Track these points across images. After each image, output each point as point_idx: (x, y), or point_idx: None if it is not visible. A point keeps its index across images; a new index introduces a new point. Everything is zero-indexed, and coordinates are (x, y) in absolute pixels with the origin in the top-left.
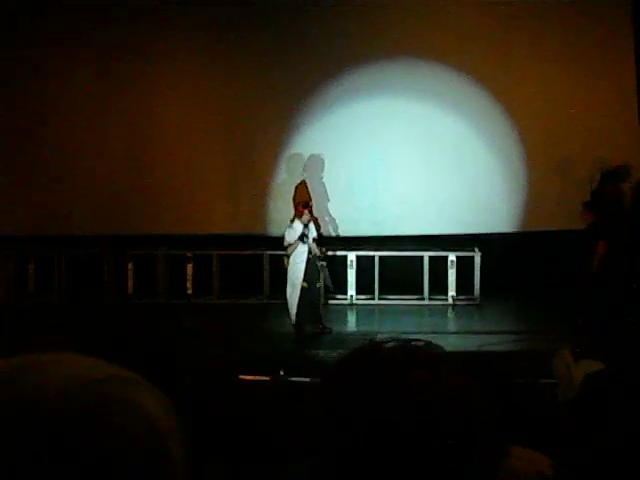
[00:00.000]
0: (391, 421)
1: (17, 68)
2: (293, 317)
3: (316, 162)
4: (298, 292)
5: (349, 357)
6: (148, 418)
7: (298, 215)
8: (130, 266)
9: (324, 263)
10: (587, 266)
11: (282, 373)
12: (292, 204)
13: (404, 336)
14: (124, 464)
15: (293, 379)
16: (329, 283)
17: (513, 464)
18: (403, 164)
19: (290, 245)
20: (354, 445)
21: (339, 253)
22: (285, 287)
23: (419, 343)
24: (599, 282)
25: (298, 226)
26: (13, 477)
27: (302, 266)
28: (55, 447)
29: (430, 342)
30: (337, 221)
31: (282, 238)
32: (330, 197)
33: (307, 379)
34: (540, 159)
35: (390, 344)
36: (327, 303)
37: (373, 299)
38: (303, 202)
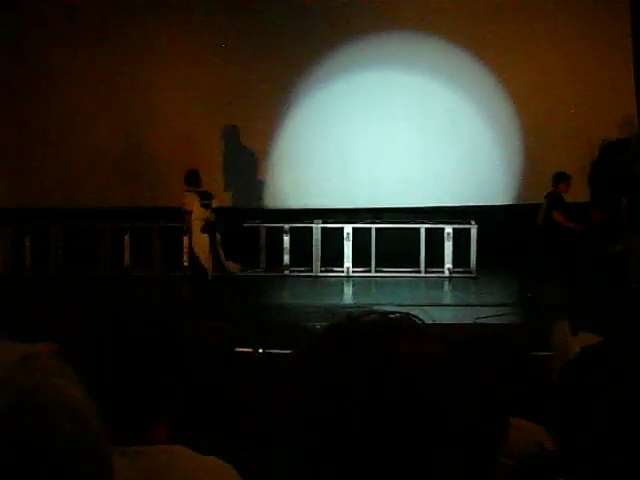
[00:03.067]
0: (374, 395)
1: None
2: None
3: (313, 135)
4: None
5: (329, 330)
6: (73, 405)
7: None
8: (126, 238)
9: None
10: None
11: (260, 350)
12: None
13: (400, 309)
14: (42, 442)
15: (276, 351)
16: None
17: (511, 435)
18: (400, 137)
19: None
20: (336, 420)
21: (336, 225)
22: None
23: (399, 315)
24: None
25: None
26: None
27: None
28: None
29: (410, 314)
30: (334, 193)
31: (279, 211)
32: (327, 170)
33: (289, 351)
34: (537, 132)
35: (369, 317)
36: (323, 275)
37: (369, 271)
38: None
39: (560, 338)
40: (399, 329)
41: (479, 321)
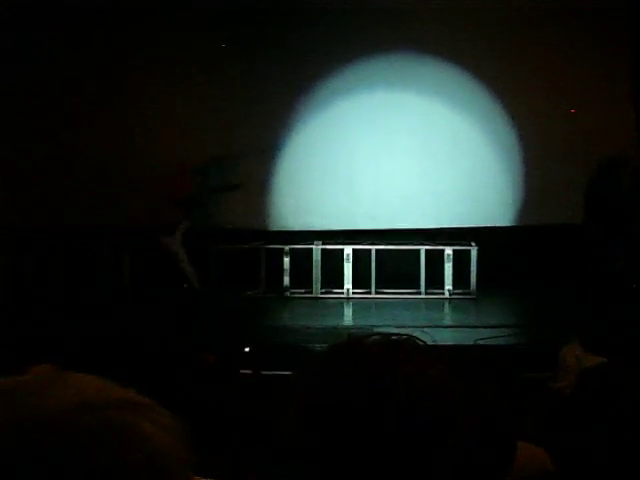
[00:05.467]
0: (375, 417)
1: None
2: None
3: (313, 156)
4: None
5: (330, 352)
6: (151, 449)
7: None
8: (127, 259)
9: None
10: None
11: (247, 349)
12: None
13: (400, 330)
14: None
15: (277, 373)
16: None
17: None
18: (401, 158)
19: None
20: (337, 441)
21: (336, 247)
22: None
23: (399, 336)
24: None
25: None
26: None
27: None
28: (45, 474)
29: (412, 336)
30: (333, 214)
31: (279, 233)
32: (327, 190)
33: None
34: (538, 153)
35: (370, 338)
36: (323, 297)
37: (370, 293)
38: None
39: (571, 358)
40: (400, 350)
41: (480, 342)
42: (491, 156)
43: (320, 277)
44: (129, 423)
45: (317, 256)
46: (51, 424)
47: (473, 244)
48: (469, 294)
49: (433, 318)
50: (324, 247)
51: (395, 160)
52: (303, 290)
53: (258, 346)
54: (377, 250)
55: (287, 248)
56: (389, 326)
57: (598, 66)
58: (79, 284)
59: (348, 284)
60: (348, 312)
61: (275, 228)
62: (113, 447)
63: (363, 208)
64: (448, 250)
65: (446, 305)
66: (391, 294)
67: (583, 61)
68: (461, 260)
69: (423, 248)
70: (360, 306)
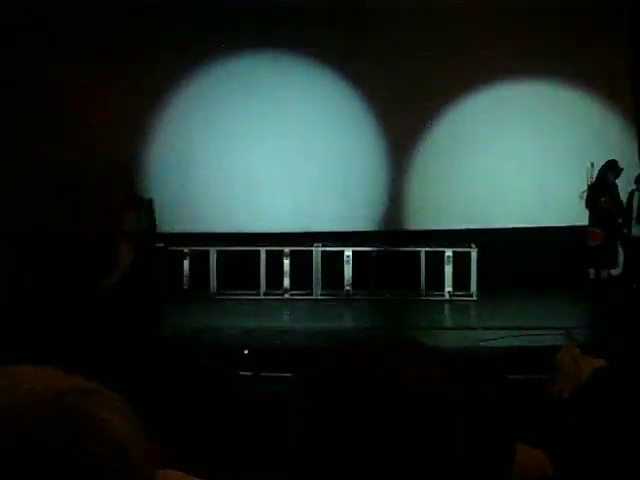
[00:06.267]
0: (375, 419)
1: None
2: None
3: (314, 156)
4: None
5: (330, 354)
6: (109, 432)
7: None
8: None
9: None
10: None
11: (246, 352)
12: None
13: (400, 332)
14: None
15: (276, 374)
16: None
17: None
18: (399, 159)
19: None
20: (336, 444)
21: (336, 249)
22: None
23: (401, 338)
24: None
25: None
26: None
27: None
28: (7, 456)
29: (414, 337)
30: (334, 216)
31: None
32: (327, 192)
33: (289, 374)
34: (538, 156)
35: (370, 340)
36: (323, 298)
37: (370, 294)
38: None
39: (569, 360)
40: (400, 352)
41: (482, 344)
42: (490, 159)
43: (320, 279)
44: (84, 409)
45: (317, 258)
46: (18, 411)
47: (473, 246)
48: (469, 296)
49: (433, 320)
50: (324, 249)
51: (395, 162)
52: (303, 292)
53: (257, 348)
54: (377, 252)
55: (287, 250)
56: (390, 328)
57: (598, 74)
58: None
59: (348, 286)
60: (348, 314)
61: (274, 230)
62: (73, 433)
63: (363, 210)
64: (448, 252)
65: (446, 307)
66: (391, 296)
67: (587, 53)
68: (461, 262)
69: (423, 250)
70: (360, 308)
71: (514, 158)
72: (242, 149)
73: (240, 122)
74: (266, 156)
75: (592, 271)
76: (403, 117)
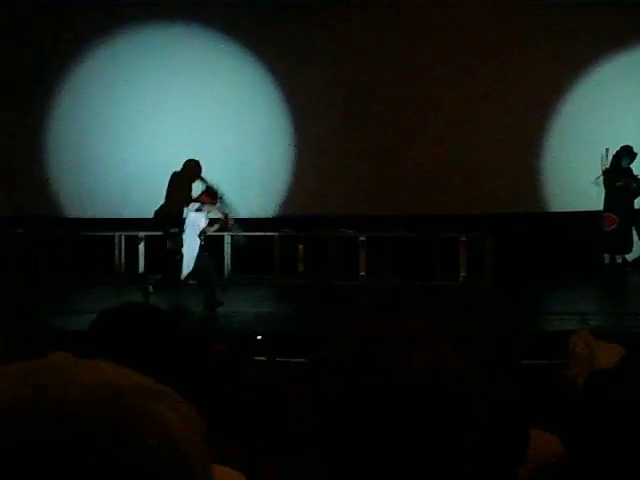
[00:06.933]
0: (389, 403)
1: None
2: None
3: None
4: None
5: (344, 339)
6: (172, 435)
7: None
8: (141, 247)
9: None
10: None
11: (259, 337)
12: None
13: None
14: (136, 474)
15: (291, 360)
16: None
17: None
18: (415, 144)
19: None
20: (351, 429)
21: (350, 234)
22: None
23: (417, 322)
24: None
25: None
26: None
27: None
28: (66, 454)
29: (428, 321)
30: (346, 201)
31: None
32: (342, 178)
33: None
34: (553, 141)
35: (384, 325)
36: (337, 284)
37: (383, 280)
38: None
39: (583, 345)
40: (414, 337)
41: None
42: (507, 144)
43: (335, 264)
44: (149, 409)
45: (331, 243)
46: (74, 408)
47: (488, 231)
48: (483, 282)
49: (447, 306)
50: (338, 234)
51: (409, 148)
52: (317, 277)
53: (271, 334)
54: (392, 237)
55: (301, 235)
56: (403, 313)
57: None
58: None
59: (362, 271)
60: (362, 299)
61: (289, 215)
62: (134, 432)
63: (377, 195)
64: (462, 237)
65: (460, 293)
66: (405, 281)
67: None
68: (476, 248)
69: (437, 235)
70: (374, 293)
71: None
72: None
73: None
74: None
75: (607, 256)
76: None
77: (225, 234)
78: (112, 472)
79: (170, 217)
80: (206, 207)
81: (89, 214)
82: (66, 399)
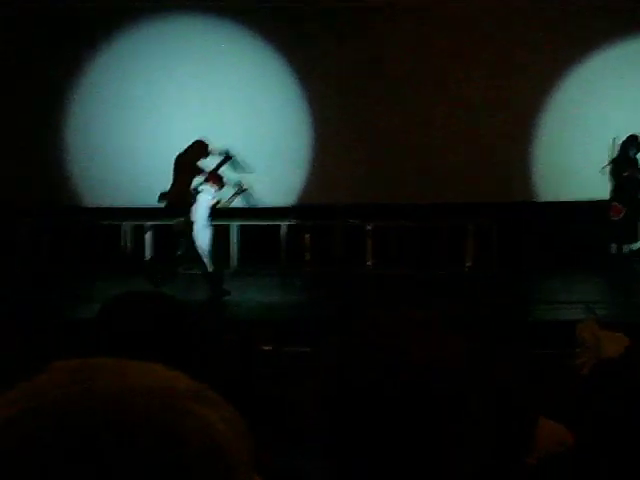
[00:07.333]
0: (391, 394)
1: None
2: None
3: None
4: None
5: (350, 327)
6: (217, 441)
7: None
8: (148, 236)
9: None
10: None
11: (267, 327)
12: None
13: (420, 306)
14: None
15: (297, 349)
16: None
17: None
18: (419, 130)
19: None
20: (356, 416)
21: (357, 223)
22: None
23: (420, 313)
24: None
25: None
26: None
27: None
28: (109, 452)
29: (431, 311)
30: (352, 190)
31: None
32: (348, 167)
33: (307, 349)
34: (558, 129)
35: (391, 314)
36: (343, 272)
37: (390, 268)
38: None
39: (589, 334)
40: (419, 326)
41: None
42: (511, 131)
43: (340, 253)
44: (197, 414)
45: (337, 232)
46: (120, 407)
47: (493, 220)
48: (490, 270)
49: (454, 294)
50: (345, 223)
51: (417, 133)
52: (323, 265)
53: (278, 322)
54: (399, 226)
55: (308, 224)
56: (410, 302)
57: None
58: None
59: (369, 260)
60: (369, 288)
61: (296, 203)
62: (178, 434)
63: (383, 183)
64: (469, 226)
65: (466, 281)
66: (411, 270)
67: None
68: (482, 236)
69: (444, 224)
70: (381, 282)
71: (539, 132)
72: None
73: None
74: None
75: (614, 246)
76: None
77: (232, 223)
78: (154, 472)
79: (175, 205)
80: (213, 187)
81: (97, 203)
82: (113, 398)
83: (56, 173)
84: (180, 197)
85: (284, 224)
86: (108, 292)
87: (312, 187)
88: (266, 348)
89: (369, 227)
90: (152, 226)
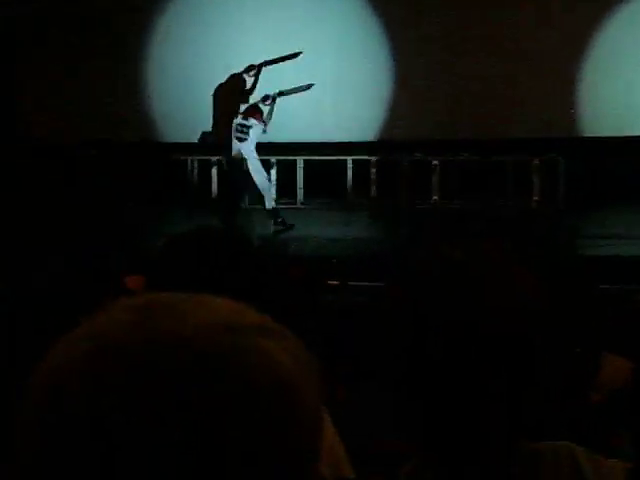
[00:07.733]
0: (465, 328)
1: None
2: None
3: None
4: None
5: (416, 263)
6: (282, 376)
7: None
8: (214, 171)
9: None
10: None
11: (334, 261)
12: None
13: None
14: (245, 414)
15: (362, 284)
16: None
17: (601, 369)
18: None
19: None
20: (423, 351)
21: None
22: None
23: (490, 246)
24: None
25: None
26: (140, 420)
27: None
28: (174, 389)
29: (499, 244)
30: (418, 125)
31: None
32: (416, 102)
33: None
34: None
35: (459, 249)
36: (409, 207)
37: (453, 202)
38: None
39: None
40: (491, 261)
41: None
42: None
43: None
44: (262, 348)
45: (403, 168)
46: (184, 343)
47: (560, 155)
48: (556, 205)
49: (520, 229)
50: (411, 158)
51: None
52: (389, 201)
53: (344, 257)
54: (461, 160)
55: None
56: (473, 236)
57: None
58: None
59: (435, 195)
60: (434, 224)
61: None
62: (242, 370)
63: (447, 117)
64: (535, 161)
65: (532, 217)
66: (477, 205)
67: None
68: (549, 172)
69: (509, 158)
70: (446, 216)
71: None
72: None
73: None
74: None
75: None
76: None
77: (298, 158)
78: (217, 408)
79: (218, 143)
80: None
81: (163, 138)
82: (177, 334)
83: (125, 110)
84: (226, 134)
85: (350, 159)
86: (174, 228)
87: (377, 123)
88: (332, 283)
89: (435, 162)
90: (217, 161)
